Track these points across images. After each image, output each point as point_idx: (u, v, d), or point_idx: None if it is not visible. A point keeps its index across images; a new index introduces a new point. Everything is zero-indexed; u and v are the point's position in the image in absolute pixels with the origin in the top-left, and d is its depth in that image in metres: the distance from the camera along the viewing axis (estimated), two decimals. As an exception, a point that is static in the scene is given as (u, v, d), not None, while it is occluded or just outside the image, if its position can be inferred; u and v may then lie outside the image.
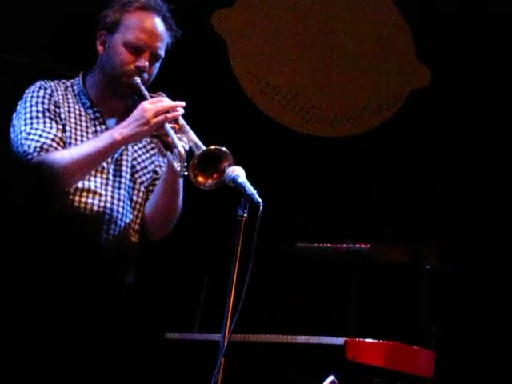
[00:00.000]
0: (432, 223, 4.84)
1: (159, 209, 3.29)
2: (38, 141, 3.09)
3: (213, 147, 2.98)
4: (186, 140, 3.06)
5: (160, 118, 3.07)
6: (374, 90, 5.18)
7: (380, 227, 4.68)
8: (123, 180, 3.26)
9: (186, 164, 3.03)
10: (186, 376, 3.86)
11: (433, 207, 4.95)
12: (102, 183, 3.20)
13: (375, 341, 3.69)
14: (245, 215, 2.81)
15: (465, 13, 5.03)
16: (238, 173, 2.89)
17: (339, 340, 3.61)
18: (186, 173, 3.01)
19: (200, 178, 2.98)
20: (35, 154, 3.08)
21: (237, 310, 2.77)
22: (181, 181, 3.21)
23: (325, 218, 4.78)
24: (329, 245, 4.28)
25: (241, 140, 3.50)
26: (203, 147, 2.99)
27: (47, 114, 3.14)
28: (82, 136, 3.20)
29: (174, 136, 3.08)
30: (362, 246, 4.22)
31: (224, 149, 2.96)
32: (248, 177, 2.87)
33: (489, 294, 4.84)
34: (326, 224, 4.69)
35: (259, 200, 2.78)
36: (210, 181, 2.99)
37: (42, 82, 3.20)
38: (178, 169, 3.04)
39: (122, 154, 3.26)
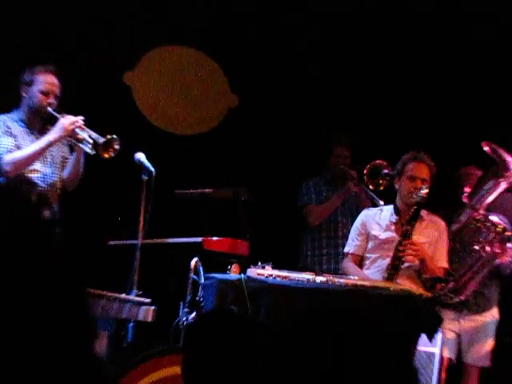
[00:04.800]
0: (246, 177, 5.66)
1: (71, 174, 4.26)
2: (5, 147, 4.04)
3: (109, 136, 3.96)
4: (88, 135, 4.02)
5: (72, 126, 4.01)
6: (207, 109, 6.25)
7: (216, 179, 5.37)
8: (49, 162, 4.23)
9: (91, 147, 3.98)
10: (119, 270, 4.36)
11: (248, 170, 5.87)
12: (42, 166, 4.21)
13: (219, 238, 4.77)
14: (146, 178, 4.09)
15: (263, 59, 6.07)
16: (140, 156, 4.12)
17: (199, 239, 4.74)
18: (94, 152, 4.01)
19: (106, 155, 4.00)
20: (4, 154, 4.02)
21: (145, 227, 4.00)
22: (82, 157, 4.11)
23: (191, 177, 5.48)
24: (191, 190, 5.15)
25: (144, 140, 4.39)
26: (103, 138, 3.94)
27: (5, 132, 4.12)
28: (25, 143, 4.14)
29: (82, 134, 4.03)
30: (207, 190, 5.15)
31: (114, 136, 3.96)
32: (147, 158, 4.09)
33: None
34: (190, 180, 5.35)
35: (152, 169, 4.05)
36: (111, 154, 3.98)
37: None
38: (89, 150, 4.03)
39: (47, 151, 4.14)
